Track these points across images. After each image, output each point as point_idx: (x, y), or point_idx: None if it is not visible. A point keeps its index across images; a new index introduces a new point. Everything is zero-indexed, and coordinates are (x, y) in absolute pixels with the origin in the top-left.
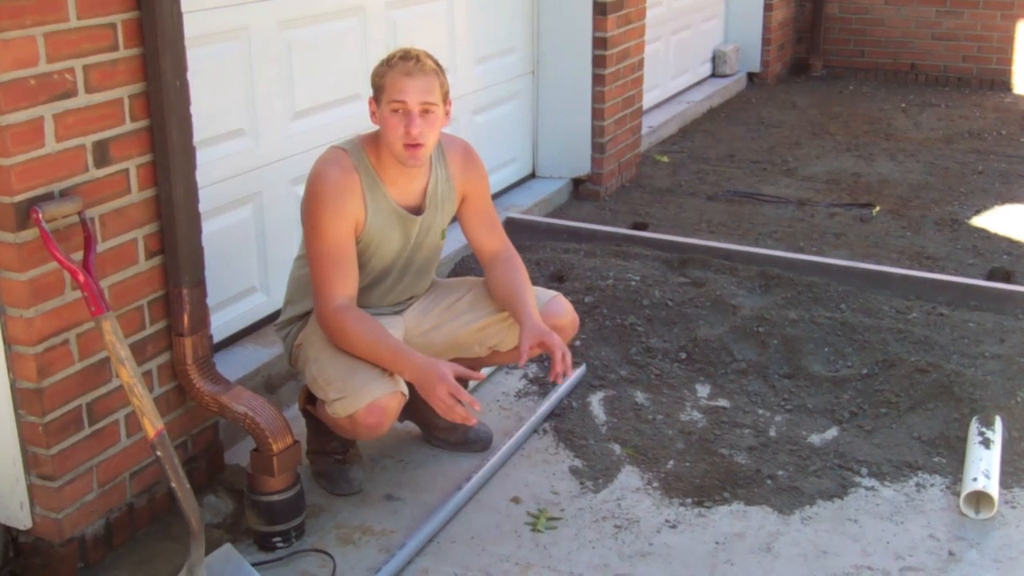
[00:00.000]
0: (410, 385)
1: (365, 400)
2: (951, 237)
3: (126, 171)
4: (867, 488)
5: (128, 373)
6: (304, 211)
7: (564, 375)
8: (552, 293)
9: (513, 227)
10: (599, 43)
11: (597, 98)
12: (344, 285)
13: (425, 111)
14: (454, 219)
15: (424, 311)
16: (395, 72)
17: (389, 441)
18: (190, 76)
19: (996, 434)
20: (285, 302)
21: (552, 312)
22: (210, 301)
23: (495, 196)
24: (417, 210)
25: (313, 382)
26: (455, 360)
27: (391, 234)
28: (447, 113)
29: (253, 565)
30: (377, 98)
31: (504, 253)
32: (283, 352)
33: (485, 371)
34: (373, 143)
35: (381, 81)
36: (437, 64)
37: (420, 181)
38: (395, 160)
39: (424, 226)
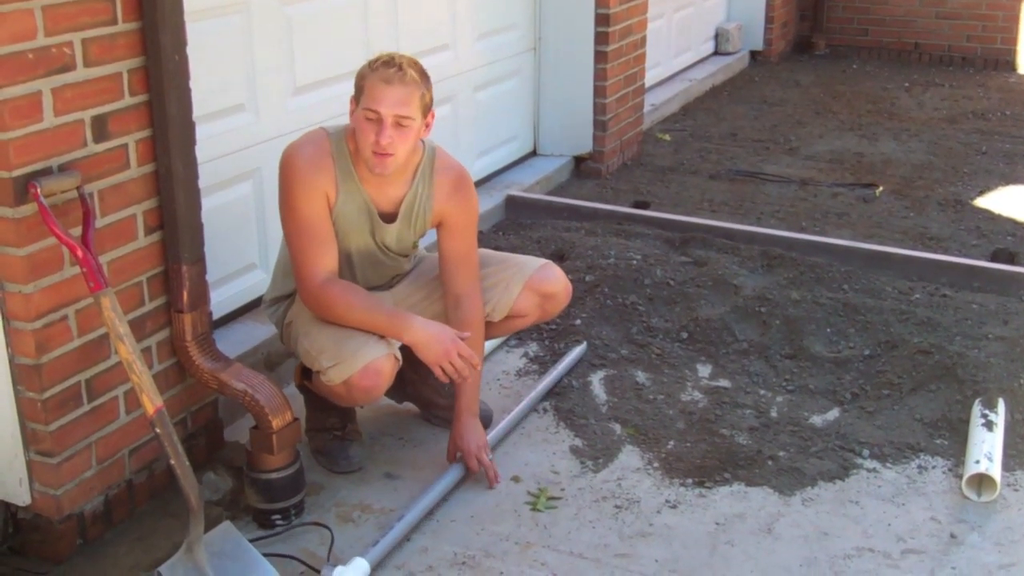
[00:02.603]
0: (406, 358)
1: (359, 364)
2: (954, 218)
3: (125, 146)
4: (869, 470)
5: (127, 349)
6: (279, 190)
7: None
8: (542, 261)
9: (514, 205)
10: (601, 20)
11: (599, 75)
12: (324, 260)
13: (398, 123)
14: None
15: (413, 283)
16: (375, 77)
17: (388, 419)
18: (190, 51)
19: (999, 416)
20: (272, 279)
21: (543, 279)
22: (210, 278)
23: (496, 174)
24: (390, 217)
25: (306, 355)
26: None
27: (360, 226)
28: (428, 125)
29: (252, 542)
30: (357, 98)
31: (465, 301)
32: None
33: (488, 345)
34: (355, 135)
35: (362, 83)
36: (421, 74)
37: (398, 189)
38: (363, 160)
39: (394, 236)
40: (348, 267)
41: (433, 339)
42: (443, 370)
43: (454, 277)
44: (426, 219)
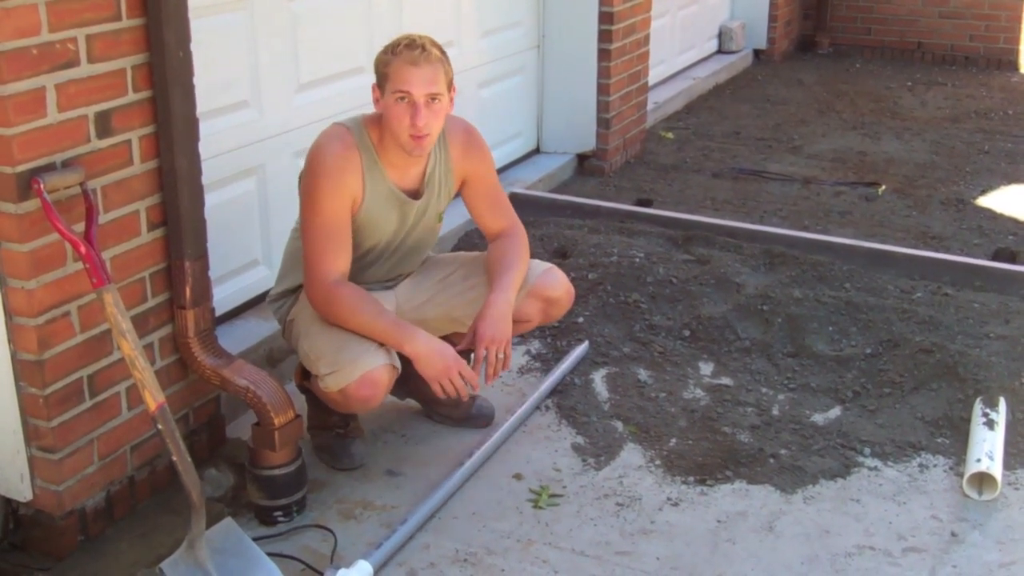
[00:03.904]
0: (404, 361)
1: (357, 373)
2: (956, 217)
3: (128, 142)
4: (870, 468)
5: (129, 346)
6: (302, 185)
7: (494, 375)
8: (546, 265)
9: (517, 202)
10: (605, 18)
11: (603, 73)
12: (338, 261)
13: (430, 101)
14: (457, 194)
15: (416, 285)
16: (400, 61)
17: (391, 416)
18: (193, 47)
19: (1000, 415)
20: (279, 275)
21: (546, 284)
22: (212, 274)
23: (500, 171)
24: (415, 194)
25: (305, 357)
26: (451, 335)
27: (388, 216)
28: (451, 100)
29: (254, 539)
30: (381, 86)
31: (508, 231)
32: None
33: None
34: (376, 124)
35: (385, 69)
36: (442, 51)
37: (419, 165)
38: (397, 145)
39: (420, 210)
40: (364, 261)
41: (435, 355)
42: (442, 387)
43: (492, 219)
44: (451, 184)
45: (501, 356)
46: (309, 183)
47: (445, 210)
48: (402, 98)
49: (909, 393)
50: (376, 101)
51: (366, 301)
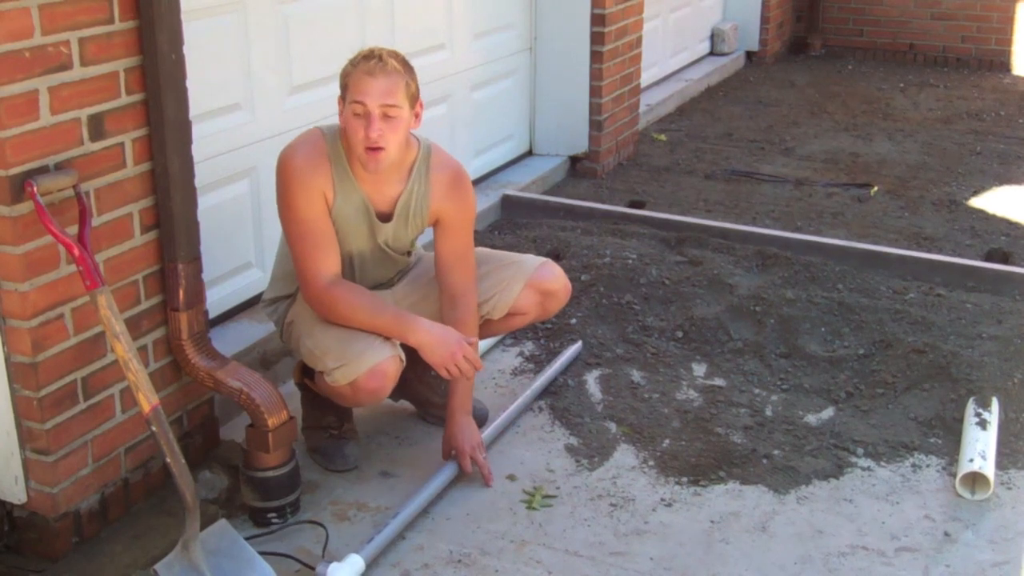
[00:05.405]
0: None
1: (366, 365)
2: (949, 218)
3: (121, 145)
4: (863, 468)
5: (123, 348)
6: (276, 192)
7: (491, 473)
8: (542, 259)
9: (510, 205)
10: (597, 20)
11: (595, 75)
12: (327, 262)
13: (386, 114)
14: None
15: (412, 283)
16: (358, 72)
17: (384, 418)
18: (186, 50)
19: (992, 415)
20: (272, 279)
21: (543, 277)
22: (206, 276)
23: (492, 173)
24: (386, 217)
25: (309, 355)
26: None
27: (359, 225)
28: (417, 116)
29: (248, 540)
30: (343, 97)
31: (461, 300)
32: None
33: (482, 346)
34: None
35: (346, 80)
36: (403, 64)
37: (394, 188)
38: (355, 158)
39: (390, 234)
40: (350, 267)
41: (439, 341)
42: (447, 371)
43: (451, 276)
44: (423, 217)
45: (485, 453)
46: (281, 189)
47: (416, 239)
48: (358, 112)
49: (902, 393)
50: (340, 114)
51: (364, 297)
